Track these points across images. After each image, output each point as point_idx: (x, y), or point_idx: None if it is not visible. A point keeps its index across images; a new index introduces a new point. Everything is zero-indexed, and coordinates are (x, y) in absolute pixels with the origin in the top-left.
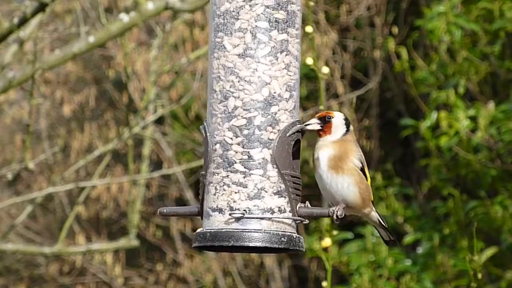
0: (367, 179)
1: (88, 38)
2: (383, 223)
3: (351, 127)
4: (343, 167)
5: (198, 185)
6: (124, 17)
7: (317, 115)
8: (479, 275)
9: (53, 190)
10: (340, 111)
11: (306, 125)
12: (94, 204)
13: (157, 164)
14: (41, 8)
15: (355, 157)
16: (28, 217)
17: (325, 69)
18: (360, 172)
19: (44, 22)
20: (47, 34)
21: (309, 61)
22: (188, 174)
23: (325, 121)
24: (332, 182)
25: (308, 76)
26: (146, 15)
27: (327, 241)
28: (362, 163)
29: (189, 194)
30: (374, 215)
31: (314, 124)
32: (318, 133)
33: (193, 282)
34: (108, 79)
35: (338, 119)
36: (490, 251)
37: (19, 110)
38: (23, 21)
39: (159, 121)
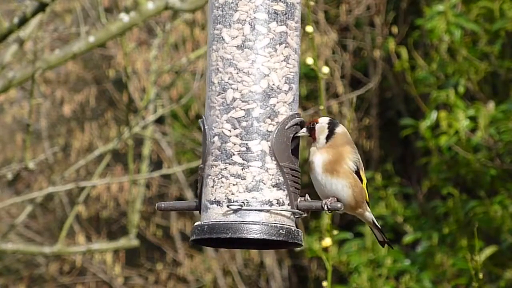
0: (362, 182)
1: (88, 38)
2: (377, 224)
3: (339, 129)
4: (338, 170)
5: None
6: (124, 17)
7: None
8: (480, 275)
9: (53, 190)
10: (327, 116)
11: (296, 134)
12: (94, 203)
13: (157, 164)
14: (41, 8)
15: (351, 160)
16: (28, 216)
17: (325, 69)
18: (355, 175)
19: (44, 22)
20: (47, 34)
21: (309, 60)
22: (188, 174)
23: (310, 129)
24: (327, 184)
25: (308, 75)
26: (146, 15)
27: (327, 241)
28: (357, 166)
29: (189, 194)
30: (368, 215)
31: (303, 132)
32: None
33: (193, 282)
34: (108, 78)
35: (320, 125)
36: (489, 250)
37: (19, 109)
38: (23, 21)
39: (159, 121)
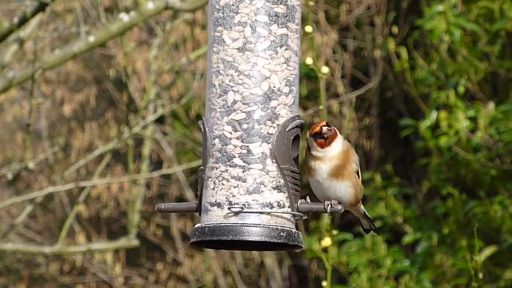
0: (359, 178)
1: (88, 37)
2: (367, 215)
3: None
4: (343, 174)
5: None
6: (124, 17)
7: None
8: (480, 275)
9: (53, 190)
10: (326, 119)
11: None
12: (94, 203)
13: (157, 164)
14: (41, 8)
15: (354, 162)
16: (28, 216)
17: (325, 69)
18: (356, 175)
19: (44, 21)
20: (47, 33)
21: (309, 60)
22: (189, 174)
23: (325, 138)
24: (331, 188)
25: (308, 75)
26: (146, 15)
27: (327, 241)
28: (358, 166)
29: (189, 194)
30: (362, 208)
31: (326, 132)
32: (315, 142)
33: (193, 282)
34: (109, 78)
35: (340, 141)
36: (489, 250)
37: (19, 109)
38: (23, 21)
39: (160, 120)
